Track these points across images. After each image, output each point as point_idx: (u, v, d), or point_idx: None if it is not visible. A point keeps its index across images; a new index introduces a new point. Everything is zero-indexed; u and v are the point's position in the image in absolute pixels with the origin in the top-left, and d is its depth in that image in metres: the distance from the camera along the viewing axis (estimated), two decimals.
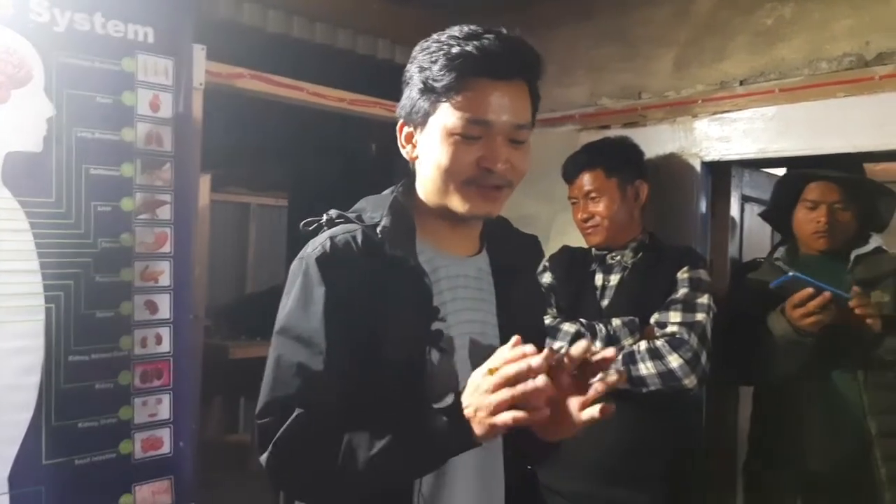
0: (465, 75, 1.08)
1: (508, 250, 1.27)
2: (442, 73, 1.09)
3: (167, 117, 1.89)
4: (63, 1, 1.70)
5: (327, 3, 2.57)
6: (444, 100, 1.09)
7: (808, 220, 2.06)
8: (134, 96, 1.83)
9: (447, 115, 1.09)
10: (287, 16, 2.49)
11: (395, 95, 1.21)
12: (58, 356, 1.70)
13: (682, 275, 1.94)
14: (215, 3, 2.30)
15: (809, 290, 1.82)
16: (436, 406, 1.03)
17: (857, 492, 1.94)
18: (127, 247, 1.82)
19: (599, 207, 2.04)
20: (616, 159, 2.08)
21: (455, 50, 1.09)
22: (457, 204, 1.12)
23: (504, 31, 1.11)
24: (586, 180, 2.07)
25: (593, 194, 2.05)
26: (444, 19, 1.18)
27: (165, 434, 1.90)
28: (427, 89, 1.11)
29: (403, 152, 1.20)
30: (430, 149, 1.12)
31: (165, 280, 1.89)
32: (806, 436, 1.98)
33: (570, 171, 2.13)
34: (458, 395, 1.01)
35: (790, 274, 1.90)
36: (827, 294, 1.81)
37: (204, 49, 2.01)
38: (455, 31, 1.12)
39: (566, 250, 2.20)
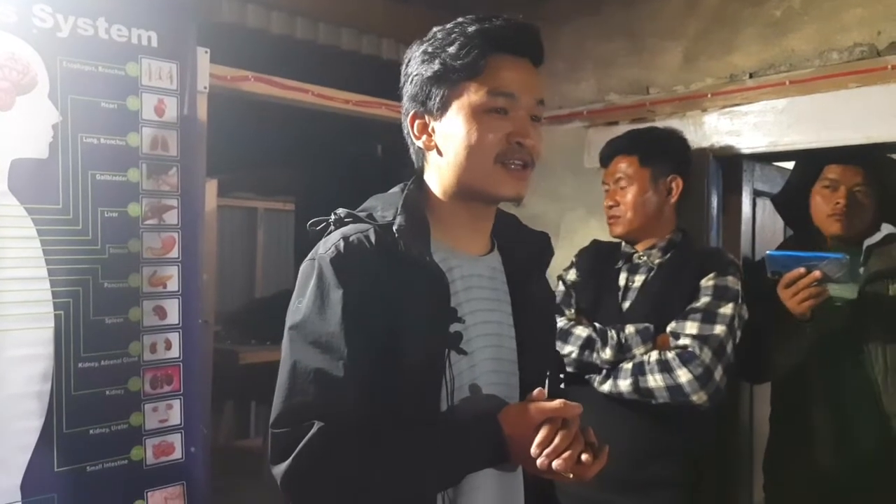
0: (487, 51, 1.09)
1: (520, 249, 1.26)
2: (463, 51, 1.09)
3: (172, 122, 1.88)
4: (66, 6, 1.70)
5: (331, 4, 2.56)
6: (468, 78, 1.09)
7: (825, 201, 1.99)
8: (138, 101, 1.82)
9: (472, 92, 1.10)
10: (290, 17, 2.48)
11: (400, 96, 1.20)
12: (68, 363, 1.69)
13: (707, 282, 1.84)
14: (218, 6, 2.29)
15: (800, 269, 1.77)
16: (469, 423, 1.06)
17: (879, 495, 1.89)
18: (135, 252, 1.81)
19: (626, 197, 1.95)
20: (654, 149, 1.99)
21: (472, 29, 1.10)
22: (490, 185, 1.11)
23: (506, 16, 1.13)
24: (619, 166, 1.99)
25: (623, 182, 1.97)
26: (450, 18, 1.17)
27: (177, 440, 1.89)
28: (446, 72, 1.10)
29: (418, 143, 1.17)
30: (455, 131, 1.11)
31: (174, 285, 1.89)
32: (825, 439, 1.93)
33: (606, 156, 2.05)
34: (493, 414, 1.06)
35: (767, 252, 1.85)
36: (815, 274, 1.74)
37: (208, 52, 2.00)
38: (460, 20, 1.13)
39: (595, 244, 2.12)
